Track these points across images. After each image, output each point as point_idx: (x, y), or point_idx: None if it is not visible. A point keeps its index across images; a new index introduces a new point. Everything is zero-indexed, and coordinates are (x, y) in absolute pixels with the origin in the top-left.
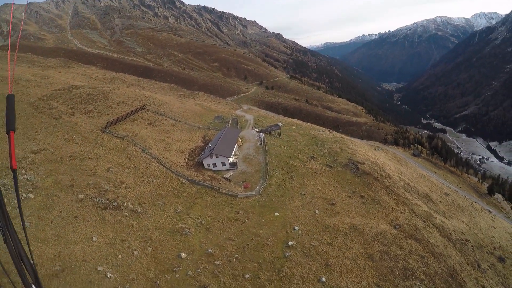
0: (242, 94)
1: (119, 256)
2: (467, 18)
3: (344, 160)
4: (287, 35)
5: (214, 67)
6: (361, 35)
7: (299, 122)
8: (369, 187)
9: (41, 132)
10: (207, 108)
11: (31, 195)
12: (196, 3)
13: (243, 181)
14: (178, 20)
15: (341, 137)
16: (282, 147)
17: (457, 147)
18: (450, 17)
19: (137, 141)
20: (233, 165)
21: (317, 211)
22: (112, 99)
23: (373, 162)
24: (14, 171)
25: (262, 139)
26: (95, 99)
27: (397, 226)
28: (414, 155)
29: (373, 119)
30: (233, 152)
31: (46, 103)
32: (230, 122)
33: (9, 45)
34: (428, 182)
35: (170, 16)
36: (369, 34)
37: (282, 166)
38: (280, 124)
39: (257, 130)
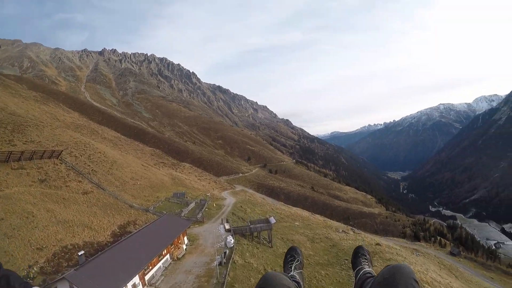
0: (240, 174)
1: None
2: (469, 103)
3: None
4: (295, 122)
5: (217, 144)
6: (367, 125)
7: (305, 213)
8: None
9: None
10: (178, 181)
11: None
12: (212, 83)
13: None
14: (192, 95)
15: (378, 244)
16: (269, 271)
17: (471, 234)
18: (452, 104)
19: None
20: None
21: None
22: (26, 134)
23: None
24: None
25: (225, 253)
26: None
27: None
28: (452, 254)
29: (385, 210)
30: (140, 281)
31: None
32: (192, 204)
33: None
34: None
35: (184, 90)
36: (374, 124)
37: None
38: (272, 220)
39: (227, 226)
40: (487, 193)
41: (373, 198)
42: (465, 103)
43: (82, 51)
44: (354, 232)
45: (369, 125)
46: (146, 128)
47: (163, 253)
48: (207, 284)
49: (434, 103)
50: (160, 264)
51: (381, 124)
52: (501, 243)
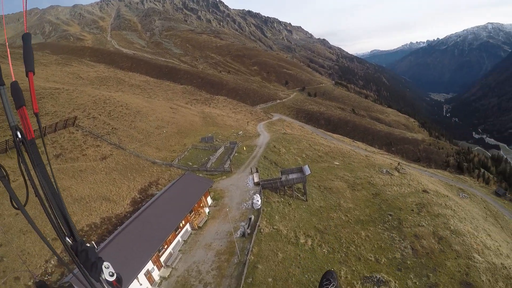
0: (278, 101)
1: None
2: None
3: None
4: (333, 42)
5: (253, 71)
6: (408, 42)
7: (346, 146)
8: None
9: None
10: (210, 119)
11: None
12: (241, 8)
13: None
14: (221, 23)
15: (424, 191)
16: (302, 239)
17: None
18: (501, 24)
19: None
20: None
21: None
22: (39, 107)
23: None
24: (36, 115)
25: (249, 219)
26: None
27: None
28: (497, 194)
29: (429, 135)
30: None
31: None
32: (220, 149)
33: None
34: None
35: (213, 20)
36: (417, 42)
37: None
38: (307, 170)
39: (256, 179)
40: None
41: (415, 121)
42: None
43: (101, 1)
44: (399, 172)
45: (411, 43)
46: (178, 64)
47: (181, 225)
48: (227, 264)
49: (481, 22)
50: (178, 238)
51: (423, 42)
52: None
